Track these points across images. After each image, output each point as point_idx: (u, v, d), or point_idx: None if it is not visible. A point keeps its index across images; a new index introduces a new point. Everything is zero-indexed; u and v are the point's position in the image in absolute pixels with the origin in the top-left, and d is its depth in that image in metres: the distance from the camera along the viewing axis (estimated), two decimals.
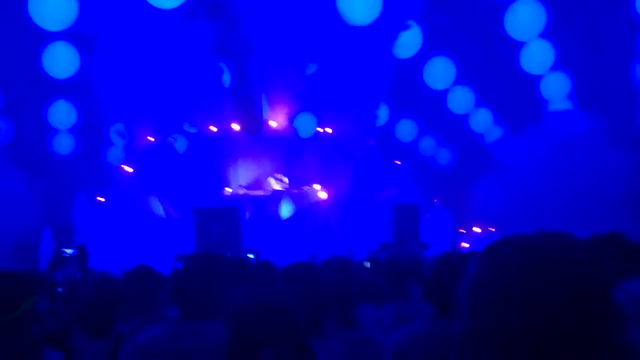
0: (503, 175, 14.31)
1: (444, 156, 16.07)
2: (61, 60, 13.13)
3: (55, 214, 13.74)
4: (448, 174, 15.92)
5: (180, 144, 15.92)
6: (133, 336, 2.89)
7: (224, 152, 16.42)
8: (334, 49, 15.16)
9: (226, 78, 15.59)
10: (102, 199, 15.31)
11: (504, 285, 1.00)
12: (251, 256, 10.99)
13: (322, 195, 16.46)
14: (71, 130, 14.47)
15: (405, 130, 15.81)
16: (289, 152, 16.68)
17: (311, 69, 15.98)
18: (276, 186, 16.31)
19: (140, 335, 2.82)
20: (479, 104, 14.57)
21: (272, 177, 16.38)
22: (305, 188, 16.52)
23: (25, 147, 13.66)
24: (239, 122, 16.35)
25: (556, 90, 13.15)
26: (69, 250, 5.10)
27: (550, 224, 1.38)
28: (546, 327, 0.97)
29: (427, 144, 15.98)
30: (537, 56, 13.04)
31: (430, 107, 14.99)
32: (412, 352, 2.58)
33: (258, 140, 16.58)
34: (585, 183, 13.07)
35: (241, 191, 16.28)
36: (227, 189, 16.25)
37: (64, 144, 14.32)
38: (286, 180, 16.41)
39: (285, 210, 16.20)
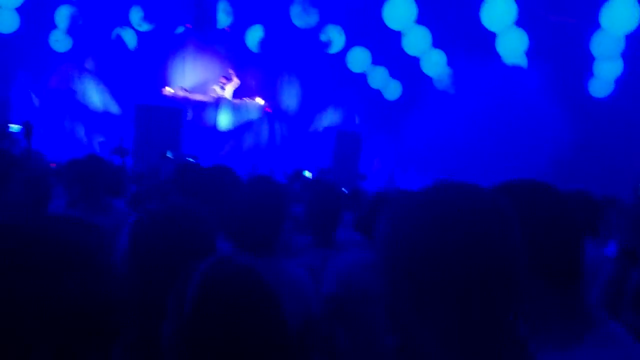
0: (443, 119, 14.57)
1: (392, 90, 16.04)
2: None
3: None
4: (394, 109, 15.99)
5: (130, 40, 15.22)
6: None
7: (170, 51, 15.88)
8: None
9: None
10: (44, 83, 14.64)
11: (411, 240, 1.02)
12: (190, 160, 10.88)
13: (264, 109, 16.25)
14: (16, 8, 13.54)
15: (357, 59, 15.62)
16: (236, 63, 16.30)
17: None
18: (220, 92, 15.93)
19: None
20: (433, 45, 14.49)
21: (218, 83, 15.96)
22: (248, 100, 16.25)
23: None
24: (191, 25, 15.75)
25: (512, 46, 13.20)
26: (14, 126, 4.88)
27: (474, 173, 1.42)
28: (451, 279, 0.99)
29: (378, 76, 15.87)
30: (498, 14, 12.95)
31: (384, 42, 14.83)
32: (351, 277, 2.67)
33: (207, 45, 16.08)
34: (519, 139, 13.51)
35: (181, 93, 15.85)
36: (167, 88, 15.80)
37: (6, 22, 13.41)
38: (235, 82, 16.00)
39: (224, 119, 15.93)
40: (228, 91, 16.02)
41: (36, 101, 14.46)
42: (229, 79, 16.02)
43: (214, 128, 15.66)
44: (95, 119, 14.86)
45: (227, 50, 16.25)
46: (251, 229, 2.52)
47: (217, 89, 15.94)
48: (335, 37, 15.36)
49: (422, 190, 1.10)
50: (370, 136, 15.83)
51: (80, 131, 14.51)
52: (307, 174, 7.12)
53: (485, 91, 13.90)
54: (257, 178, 2.82)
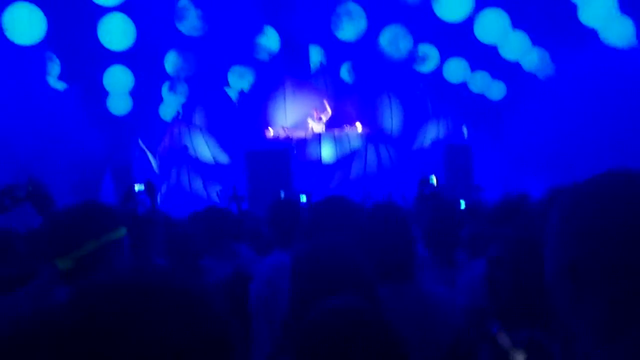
0: (552, 114, 14.02)
1: (496, 90, 15.63)
2: (116, 33, 13.28)
3: (115, 158, 14.20)
4: (500, 111, 15.56)
5: (234, 95, 16.10)
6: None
7: (269, 95, 16.40)
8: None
9: (273, 37, 15.46)
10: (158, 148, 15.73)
11: (587, 229, 1.05)
12: (303, 198, 11.05)
13: (363, 133, 16.28)
14: (127, 92, 14.81)
15: (455, 70, 15.40)
16: (333, 94, 16.55)
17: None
18: (316, 127, 16.16)
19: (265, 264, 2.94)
20: (532, 43, 14.09)
21: (310, 117, 16.23)
22: (347, 128, 16.36)
23: (88, 108, 13.93)
24: (287, 70, 16.31)
25: (619, 35, 12.59)
26: (138, 186, 5.16)
27: (592, 168, 1.31)
28: None
29: (478, 80, 15.54)
30: (597, 10, 12.46)
31: (481, 52, 14.59)
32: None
33: (303, 82, 16.48)
34: (634, 127, 12.71)
35: (283, 132, 16.22)
36: (269, 129, 16.26)
37: (120, 105, 14.59)
38: (328, 113, 16.22)
39: (327, 151, 16.05)
40: (323, 122, 16.25)
41: (155, 162, 15.34)
42: (322, 111, 16.25)
43: (319, 162, 15.84)
44: (209, 171, 15.49)
45: (324, 84, 16.53)
46: (385, 259, 2.50)
47: (313, 123, 16.19)
48: (430, 53, 15.31)
49: (595, 180, 1.12)
50: (481, 144, 15.45)
51: (198, 184, 15.15)
52: (434, 179, 7.10)
53: (591, 80, 13.25)
54: (380, 206, 2.80)
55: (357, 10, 15.10)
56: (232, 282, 3.54)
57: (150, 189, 4.67)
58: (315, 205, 3.07)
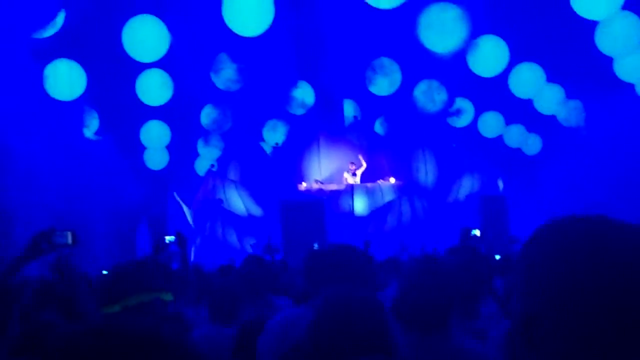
0: (591, 166, 13.88)
1: (532, 145, 15.55)
2: (153, 89, 13.64)
3: (150, 210, 14.41)
4: (536, 164, 15.45)
5: (269, 149, 16.35)
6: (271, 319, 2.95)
7: (304, 150, 16.55)
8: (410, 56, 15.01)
9: (307, 91, 15.73)
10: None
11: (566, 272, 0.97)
12: None
13: (396, 186, 16.22)
14: (164, 147, 15.25)
15: (490, 124, 15.40)
16: (366, 147, 16.61)
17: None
18: (351, 180, 16.17)
19: (278, 317, 2.88)
20: (567, 96, 14.09)
21: (346, 171, 16.26)
22: (381, 182, 16.33)
23: (125, 162, 14.29)
24: (321, 124, 16.51)
25: None
26: (169, 238, 5.23)
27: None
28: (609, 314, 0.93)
29: (514, 134, 15.49)
30: (632, 62, 12.50)
31: (515, 106, 14.61)
32: None
33: (337, 136, 16.60)
34: None
35: (316, 186, 16.26)
36: (303, 183, 16.32)
37: (156, 160, 14.92)
38: (363, 167, 16.24)
39: (360, 204, 15.99)
40: (358, 176, 16.26)
41: (189, 215, 15.47)
42: (357, 165, 16.28)
43: (352, 215, 15.79)
44: (243, 224, 15.53)
45: (357, 138, 16.64)
46: (422, 311, 2.47)
47: (348, 176, 16.20)
48: (465, 107, 15.36)
49: (563, 224, 1.03)
50: (517, 196, 15.27)
51: (232, 237, 15.19)
52: (476, 232, 6.99)
53: (627, 134, 13.19)
54: (420, 259, 2.78)
55: (391, 65, 15.25)
56: (242, 331, 3.51)
57: (180, 240, 4.69)
58: (317, 255, 3.04)
